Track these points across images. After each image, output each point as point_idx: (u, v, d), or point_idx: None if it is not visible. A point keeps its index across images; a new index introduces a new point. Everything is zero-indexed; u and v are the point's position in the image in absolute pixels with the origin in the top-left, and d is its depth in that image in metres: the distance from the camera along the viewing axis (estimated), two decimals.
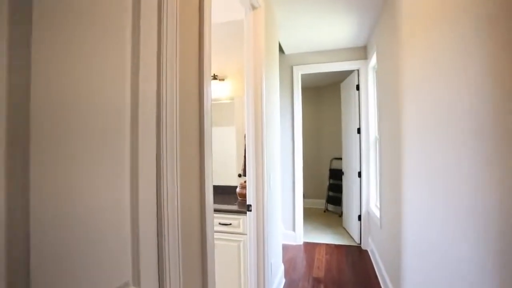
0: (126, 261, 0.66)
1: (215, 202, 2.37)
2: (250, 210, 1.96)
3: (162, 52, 0.77)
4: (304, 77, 4.68)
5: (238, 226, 2.10)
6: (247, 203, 1.98)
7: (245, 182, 2.48)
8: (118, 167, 0.64)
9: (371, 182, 3.22)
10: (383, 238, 2.51)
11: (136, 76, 0.69)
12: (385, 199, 2.44)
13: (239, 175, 2.66)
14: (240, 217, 2.09)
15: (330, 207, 5.26)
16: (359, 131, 3.43)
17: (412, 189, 1.65)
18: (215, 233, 2.13)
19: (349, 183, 3.83)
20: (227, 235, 2.13)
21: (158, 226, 0.76)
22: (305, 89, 5.56)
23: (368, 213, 3.29)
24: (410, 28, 1.64)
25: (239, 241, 2.10)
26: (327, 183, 5.32)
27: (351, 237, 3.72)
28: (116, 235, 0.63)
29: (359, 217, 3.43)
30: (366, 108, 3.28)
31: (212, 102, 2.76)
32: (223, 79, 2.75)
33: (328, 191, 5.26)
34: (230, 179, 2.72)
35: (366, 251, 3.28)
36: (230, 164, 2.74)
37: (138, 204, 0.69)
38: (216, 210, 2.16)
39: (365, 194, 3.31)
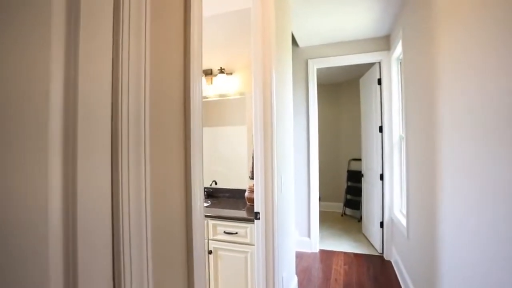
0: None
1: (221, 207, 2.16)
2: (258, 218, 1.74)
3: (120, 44, 0.56)
4: (320, 74, 4.41)
5: (245, 235, 1.88)
6: (255, 210, 1.75)
7: (253, 185, 2.26)
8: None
9: (395, 185, 2.91)
10: (411, 249, 2.21)
11: (74, 73, 0.49)
12: (414, 206, 2.14)
13: (251, 177, 2.44)
14: (248, 225, 1.87)
15: (348, 211, 4.94)
16: (381, 129, 3.12)
17: (453, 198, 1.36)
18: (219, 243, 1.93)
19: (369, 186, 3.52)
20: (232, 245, 1.92)
21: (115, 254, 0.55)
22: (321, 86, 5.27)
23: (391, 220, 2.98)
24: (450, 8, 1.36)
25: (246, 252, 1.88)
26: (345, 186, 5.01)
27: (372, 245, 3.42)
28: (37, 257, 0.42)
29: (381, 224, 3.12)
30: (389, 104, 2.97)
31: (219, 98, 2.56)
32: (231, 73, 2.54)
33: (345, 194, 4.95)
34: (241, 182, 2.51)
35: (389, 262, 2.97)
36: (241, 166, 2.52)
37: (77, 224, 0.48)
38: (220, 217, 1.95)
39: (388, 198, 3.00)
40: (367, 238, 3.64)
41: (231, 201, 2.42)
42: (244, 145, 2.52)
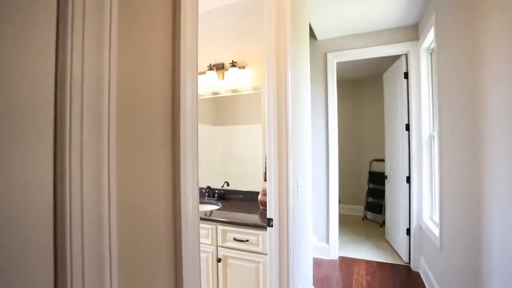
0: None
1: (232, 210, 2.01)
2: (271, 226, 1.56)
3: (69, 30, 0.41)
4: (339, 69, 4.16)
5: (257, 243, 1.71)
6: (268, 216, 1.58)
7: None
8: None
9: (424, 189, 2.63)
10: (445, 262, 1.95)
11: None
12: (449, 213, 1.89)
13: (264, 179, 2.27)
14: (260, 232, 1.70)
15: (370, 215, 4.65)
16: (407, 128, 2.85)
17: (508, 209, 1.13)
18: (228, 251, 1.77)
19: (394, 189, 3.25)
20: (243, 254, 1.75)
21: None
22: (341, 83, 5.01)
23: (420, 227, 2.70)
24: None
25: (258, 262, 1.71)
26: (366, 188, 4.72)
27: (396, 253, 3.15)
28: None
29: (408, 231, 2.85)
30: (418, 100, 2.70)
31: (231, 94, 2.40)
32: (243, 67, 2.38)
33: (367, 197, 4.66)
34: (255, 183, 2.34)
35: (417, 274, 2.70)
36: (255, 167, 2.36)
37: None
38: (229, 223, 1.79)
39: (416, 203, 2.73)
40: (391, 246, 3.37)
41: (243, 204, 2.26)
42: (258, 144, 2.35)
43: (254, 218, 1.84)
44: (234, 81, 2.33)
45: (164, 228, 0.62)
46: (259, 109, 2.35)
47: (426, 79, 2.63)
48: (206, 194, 2.46)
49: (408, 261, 2.87)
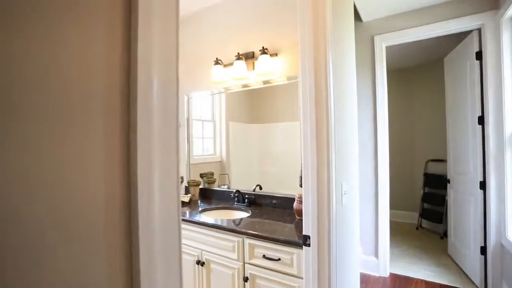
0: None
1: (263, 219, 1.72)
2: (308, 245, 1.24)
3: None
4: (387, 56, 3.63)
5: (291, 263, 1.40)
6: (304, 232, 1.26)
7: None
8: None
9: (509, 198, 2.07)
10: None
11: None
12: None
13: (300, 185, 1.95)
14: (295, 251, 1.38)
15: (425, 223, 4.03)
16: (481, 121, 2.30)
17: None
18: (257, 269, 1.48)
19: (460, 195, 2.68)
20: (274, 275, 1.45)
21: None
22: (388, 72, 4.42)
23: (501, 246, 2.15)
24: None
25: (292, 287, 1.39)
26: (421, 192, 4.10)
27: (465, 275, 2.58)
28: None
29: (483, 250, 2.30)
30: (497, 86, 2.14)
31: (263, 86, 2.11)
32: (275, 54, 2.08)
33: (422, 203, 4.05)
34: (291, 188, 2.03)
35: None
36: (292, 169, 2.05)
37: None
38: (257, 236, 1.50)
39: (495, 215, 2.18)
40: (456, 264, 2.80)
41: (276, 212, 1.96)
42: (296, 144, 2.04)
43: (288, 231, 1.52)
44: (265, 71, 2.03)
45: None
46: (296, 102, 2.02)
47: (510, 59, 2.06)
48: (236, 199, 2.21)
49: (483, 287, 2.32)
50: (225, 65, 2.35)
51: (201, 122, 2.60)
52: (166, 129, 0.45)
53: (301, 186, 1.64)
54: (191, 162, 2.67)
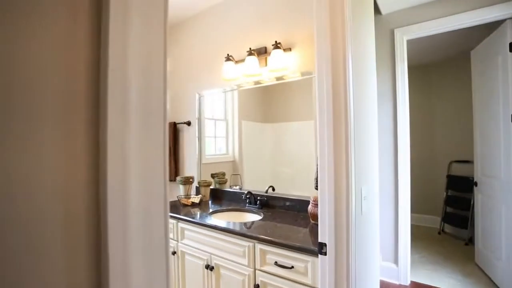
0: None
1: (276, 222, 1.63)
2: (324, 253, 1.13)
3: None
4: (408, 51, 3.43)
5: (305, 272, 1.30)
6: (319, 239, 1.16)
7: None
8: None
9: None
10: None
11: None
12: None
13: (316, 187, 1.84)
14: (309, 258, 1.28)
15: (448, 228, 3.81)
16: None
17: None
18: (268, 276, 1.39)
19: (489, 200, 2.48)
20: (287, 284, 1.35)
21: None
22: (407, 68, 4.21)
23: None
24: None
25: None
26: (443, 195, 3.88)
27: (496, 286, 2.39)
28: None
29: None
30: None
31: (276, 82, 2.01)
32: (289, 49, 1.97)
33: (444, 206, 3.82)
34: (305, 189, 1.93)
35: None
36: (306, 170, 1.95)
37: None
38: (269, 242, 1.41)
39: None
40: (486, 274, 2.60)
41: (290, 215, 1.86)
42: (311, 144, 1.93)
43: (302, 236, 1.42)
44: (278, 66, 1.93)
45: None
46: (310, 100, 1.91)
47: None
48: (247, 200, 2.12)
49: None
50: (236, 62, 2.27)
51: (213, 121, 2.53)
52: (147, 126, 0.37)
53: (316, 189, 1.54)
54: (203, 162, 2.60)
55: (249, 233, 1.49)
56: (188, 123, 2.71)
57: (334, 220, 1.11)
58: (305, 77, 1.91)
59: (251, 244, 1.50)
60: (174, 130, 2.78)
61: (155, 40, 0.39)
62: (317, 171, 1.50)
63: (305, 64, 1.92)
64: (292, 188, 2.03)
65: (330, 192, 1.10)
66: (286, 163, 2.07)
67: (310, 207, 1.68)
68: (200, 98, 2.62)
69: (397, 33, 2.54)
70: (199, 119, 2.63)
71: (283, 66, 1.93)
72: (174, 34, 2.92)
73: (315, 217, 1.62)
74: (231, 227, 1.61)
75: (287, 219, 1.76)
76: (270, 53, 2.01)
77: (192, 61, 2.73)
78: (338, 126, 1.11)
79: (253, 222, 1.72)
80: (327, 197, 1.12)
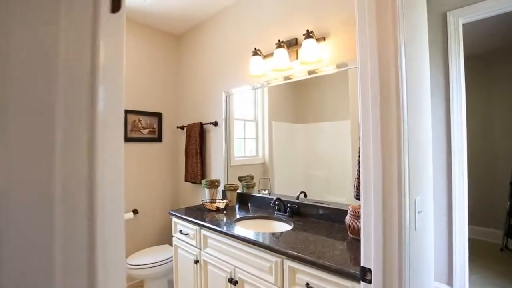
0: None
1: (308, 234, 1.42)
2: (369, 281, 0.91)
3: None
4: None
5: None
6: (362, 263, 0.93)
7: (360, 207, 1.41)
8: None
9: None
10: None
11: None
12: None
13: (356, 198, 1.60)
14: (348, 283, 1.06)
15: None
16: None
17: None
18: None
19: None
20: None
21: None
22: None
23: None
24: None
25: None
26: (507, 205, 3.33)
27: None
28: None
29: None
30: None
31: (308, 76, 1.79)
32: (323, 38, 1.76)
33: (507, 218, 3.28)
34: (341, 195, 1.70)
35: None
36: (342, 174, 1.72)
37: None
38: (299, 259, 1.20)
39: None
40: None
41: (323, 226, 1.63)
42: (347, 146, 1.69)
43: (340, 254, 1.20)
44: (310, 58, 1.72)
45: None
46: (346, 96, 1.68)
47: None
48: (276, 207, 1.93)
49: None
50: (264, 56, 2.10)
51: (242, 122, 2.38)
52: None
53: (357, 199, 1.30)
54: (231, 164, 2.46)
55: (277, 247, 1.30)
56: (215, 124, 2.59)
57: (382, 240, 0.88)
58: (340, 69, 1.68)
59: (278, 259, 1.31)
60: (201, 131, 2.69)
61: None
62: (358, 178, 1.26)
63: (341, 54, 1.69)
64: (325, 192, 1.80)
65: (377, 204, 0.88)
66: (318, 166, 1.85)
67: (348, 218, 1.44)
68: (227, 97, 2.49)
69: (451, 16, 2.19)
70: (227, 120, 2.50)
71: (316, 58, 1.71)
72: (197, 34, 2.84)
73: (354, 230, 1.39)
74: (256, 238, 1.44)
75: (320, 231, 1.53)
76: (301, 45, 1.81)
77: (217, 60, 2.62)
78: (387, 123, 0.88)
79: (281, 233, 1.52)
80: (372, 211, 0.89)
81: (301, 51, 1.79)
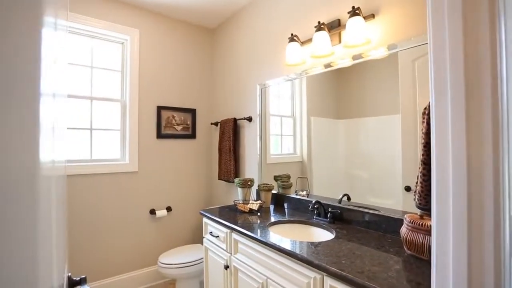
0: None
1: (355, 244, 1.20)
2: None
3: None
4: None
5: None
6: None
7: (422, 216, 1.15)
8: None
9: None
10: None
11: None
12: None
13: (419, 207, 1.34)
14: None
15: None
16: None
17: None
18: None
19: None
20: None
21: None
22: None
23: None
24: None
25: None
26: None
27: None
28: None
29: None
30: None
31: (352, 62, 1.45)
32: (371, 15, 1.49)
33: None
34: (389, 196, 1.44)
35: None
36: (389, 174, 1.46)
37: None
38: (345, 280, 0.99)
39: None
40: None
41: (372, 236, 1.39)
42: (395, 141, 1.43)
43: (396, 275, 0.96)
44: (356, 40, 1.48)
45: None
46: (395, 86, 1.40)
47: None
48: (315, 211, 1.72)
49: None
50: (302, 43, 1.88)
51: (279, 118, 2.20)
52: None
53: (420, 208, 1.04)
54: (267, 162, 2.29)
55: (316, 261, 1.10)
56: (249, 119, 2.44)
57: (466, 268, 0.63)
58: (393, 51, 1.41)
59: (318, 276, 1.10)
60: (235, 127, 2.56)
61: None
62: (422, 182, 1.00)
63: (396, 31, 1.41)
64: (369, 195, 1.55)
65: (460, 220, 0.64)
66: (361, 165, 1.60)
67: (404, 230, 1.19)
68: (261, 90, 2.32)
69: None
70: (261, 115, 2.33)
71: (363, 39, 1.46)
72: (230, 27, 2.70)
73: (413, 246, 1.13)
74: (293, 248, 1.25)
75: (369, 242, 1.29)
76: (344, 26, 1.57)
77: (251, 51, 2.46)
78: (477, 113, 0.63)
79: (320, 243, 1.31)
80: (451, 228, 0.65)
81: (345, 33, 1.55)
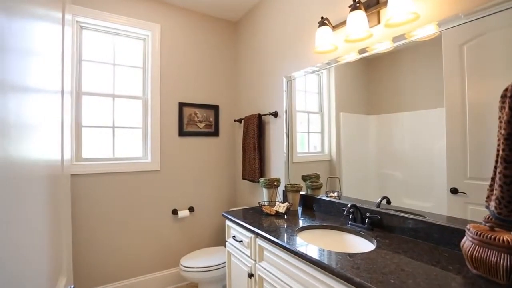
0: None
1: (402, 256, 0.99)
2: None
3: None
4: None
5: None
6: None
7: (493, 228, 0.92)
8: None
9: None
10: None
11: None
12: None
13: (498, 217, 1.10)
14: None
15: None
16: None
17: None
18: None
19: None
20: None
21: None
22: None
23: None
24: None
25: None
26: None
27: None
28: None
29: None
30: None
31: (392, 46, 1.24)
32: None
33: None
34: (426, 199, 1.21)
35: None
36: (428, 174, 1.23)
37: None
38: None
39: None
40: None
41: (421, 248, 1.16)
42: (434, 139, 1.19)
43: None
44: (400, 17, 1.26)
45: None
46: (438, 74, 1.17)
47: None
48: (350, 216, 1.52)
49: None
50: (334, 27, 1.68)
51: (306, 114, 2.01)
52: None
53: (499, 218, 0.82)
54: (293, 161, 2.12)
55: (357, 279, 0.91)
56: (275, 114, 2.27)
57: None
58: (444, 29, 1.17)
59: None
60: (259, 123, 2.40)
61: None
62: (501, 186, 0.77)
63: (444, 7, 1.17)
64: (404, 196, 1.33)
65: None
66: (395, 165, 1.38)
67: (468, 243, 0.96)
68: (288, 82, 2.15)
69: None
70: (288, 110, 2.15)
71: (410, 15, 1.24)
72: (253, 18, 2.55)
73: (481, 264, 0.90)
74: (328, 261, 1.07)
75: (420, 257, 1.08)
76: (385, 3, 1.36)
77: (276, 42, 2.29)
78: None
79: (360, 255, 1.12)
80: None
81: (386, 10, 1.34)
